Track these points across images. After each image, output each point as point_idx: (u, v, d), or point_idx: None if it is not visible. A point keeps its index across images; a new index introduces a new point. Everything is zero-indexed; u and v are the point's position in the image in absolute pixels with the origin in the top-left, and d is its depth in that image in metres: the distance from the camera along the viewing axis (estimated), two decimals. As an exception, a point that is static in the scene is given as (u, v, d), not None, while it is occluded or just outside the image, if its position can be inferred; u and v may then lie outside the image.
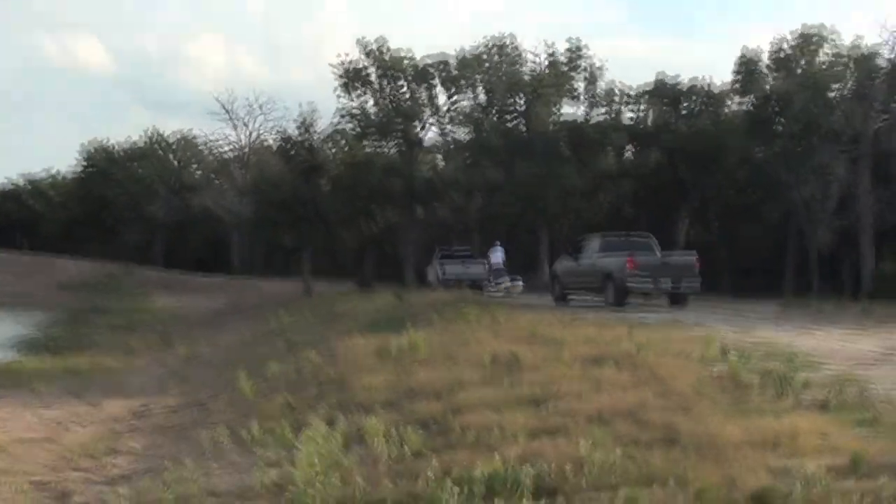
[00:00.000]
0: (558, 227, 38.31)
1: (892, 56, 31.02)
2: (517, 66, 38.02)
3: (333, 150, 41.71)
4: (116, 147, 60.78)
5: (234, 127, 57.73)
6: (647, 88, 37.13)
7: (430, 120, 39.46)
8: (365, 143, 40.28)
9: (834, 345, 12.56)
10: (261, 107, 56.65)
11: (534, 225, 38.41)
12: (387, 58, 38.16)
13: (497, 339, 12.90)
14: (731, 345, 11.55)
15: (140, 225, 56.73)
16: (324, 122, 40.70)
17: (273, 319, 25.86)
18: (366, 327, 17.71)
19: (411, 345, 12.84)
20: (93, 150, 60.48)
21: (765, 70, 33.75)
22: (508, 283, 28.30)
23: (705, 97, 36.27)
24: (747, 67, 33.71)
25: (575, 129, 36.96)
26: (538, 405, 8.41)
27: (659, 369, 9.65)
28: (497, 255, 29.32)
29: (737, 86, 34.43)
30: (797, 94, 30.88)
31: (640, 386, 8.91)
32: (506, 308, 17.64)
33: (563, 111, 38.02)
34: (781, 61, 33.29)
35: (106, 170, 58.28)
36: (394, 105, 38.62)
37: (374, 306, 23.78)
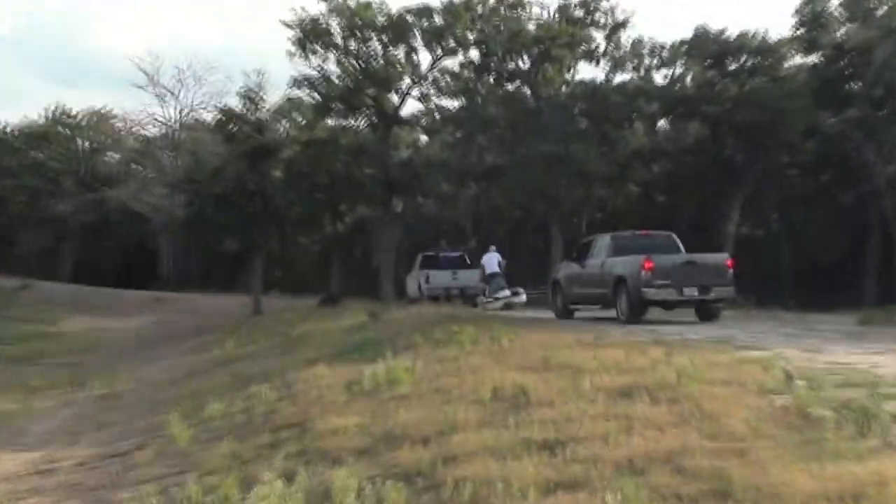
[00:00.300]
0: (575, 222, 38.86)
1: None
2: (520, 17, 38.18)
3: (287, 128, 42.13)
4: (10, 129, 60.52)
5: (162, 101, 58.37)
6: (685, 43, 37.47)
7: (410, 87, 39.77)
8: (327, 117, 40.73)
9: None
10: (195, 75, 57.49)
11: (544, 220, 38.80)
12: (353, 5, 38.04)
13: (499, 366, 12.80)
14: (797, 369, 11.38)
15: (42, 227, 56.26)
16: (276, 93, 41.47)
17: (215, 346, 25.82)
18: (332, 354, 17.73)
19: (390, 376, 12.81)
20: (-23, 134, 60.14)
21: (836, 17, 34.11)
22: (508, 295, 28.80)
23: (759, 53, 36.24)
24: (813, 15, 33.90)
25: (594, 96, 37.27)
26: (552, 451, 8.39)
27: (706, 402, 9.57)
28: (492, 261, 29.92)
29: (799, 37, 34.78)
30: (877, 46, 31.04)
31: (683, 424, 8.86)
32: (508, 326, 17.51)
33: (578, 73, 38.72)
34: (856, 5, 33.44)
35: (-5, 158, 57.99)
36: (363, 69, 38.81)
37: (343, 327, 23.92)
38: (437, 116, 40.83)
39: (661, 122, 40.35)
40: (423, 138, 44.42)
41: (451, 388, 11.56)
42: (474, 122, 37.98)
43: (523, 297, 28.97)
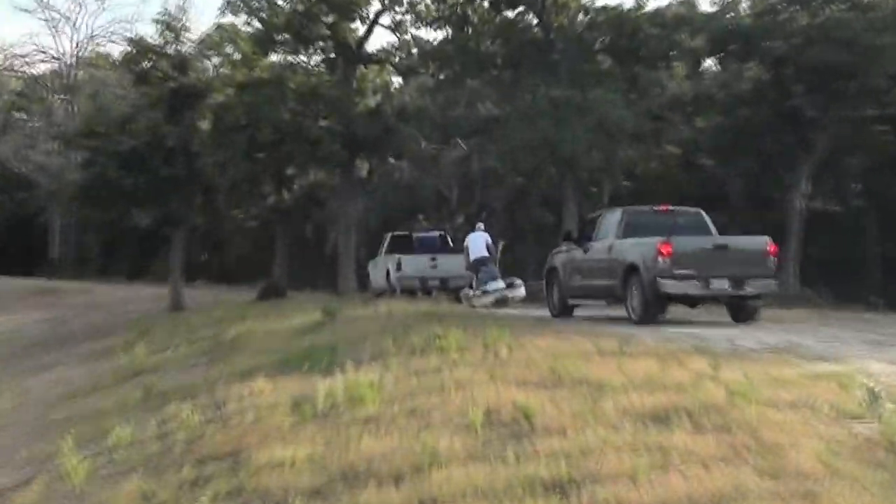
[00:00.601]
0: (594, 193, 39.17)
1: None
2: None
3: (218, 66, 42.14)
4: None
5: (53, 29, 58.53)
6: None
7: (380, 12, 39.95)
8: (270, 52, 40.77)
9: None
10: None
11: (554, 190, 38.95)
12: None
13: (494, 381, 12.82)
14: (885, 388, 11.22)
15: None
16: (203, 20, 41.82)
17: (122, 351, 25.77)
18: (276, 364, 17.73)
19: (351, 393, 12.81)
20: None
21: None
22: (502, 288, 29.03)
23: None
24: None
25: (621, 27, 37.20)
26: (564, 494, 8.40)
27: (765, 431, 9.60)
28: (478, 243, 30.08)
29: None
30: None
31: (735, 459, 8.86)
32: (506, 329, 17.36)
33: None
34: None
35: None
36: (317, -12, 38.68)
37: (290, 328, 24.09)
38: (415, 52, 40.79)
39: (709, 63, 40.52)
40: (397, 81, 44.43)
41: (432, 410, 11.59)
42: (464, 59, 37.90)
43: (521, 291, 29.26)
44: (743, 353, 14.83)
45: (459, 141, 40.43)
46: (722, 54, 39.33)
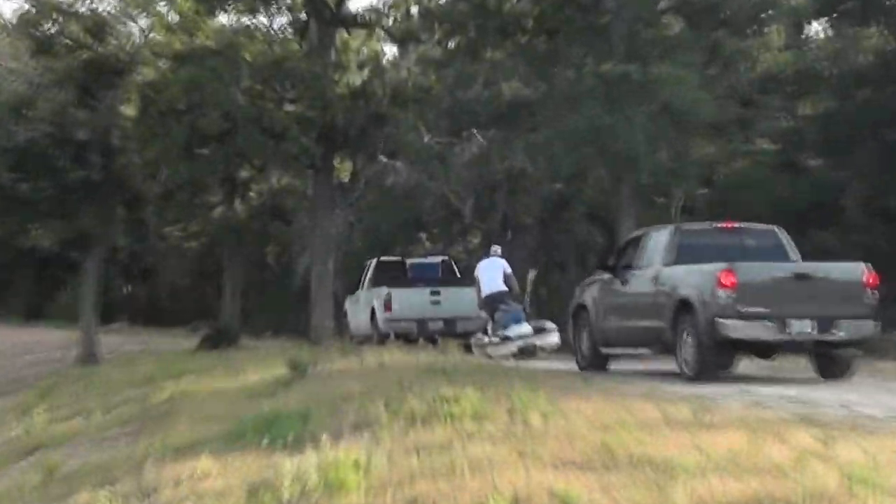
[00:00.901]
0: (661, 205, 39.37)
1: None
2: None
3: (147, 30, 42.56)
4: None
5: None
6: None
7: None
8: (218, 12, 41.29)
9: None
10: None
11: (604, 198, 39.15)
12: None
13: (523, 460, 12.74)
14: None
15: None
16: None
17: (13, 418, 25.93)
18: (225, 436, 17.68)
19: (328, 476, 12.73)
20: None
21: None
22: (528, 334, 29.03)
23: None
24: None
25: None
26: None
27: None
28: (492, 274, 30.27)
29: None
30: None
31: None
32: (537, 389, 17.16)
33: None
34: None
35: None
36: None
37: (245, 387, 24.12)
38: (415, 12, 40.96)
39: (815, 27, 41.12)
40: (391, 51, 45.15)
41: (439, 500, 11.54)
42: (482, 22, 37.76)
43: (555, 338, 29.37)
44: (863, 424, 14.70)
45: (476, 133, 40.36)
46: (834, 15, 39.43)
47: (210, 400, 23.54)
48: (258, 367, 26.64)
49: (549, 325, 29.43)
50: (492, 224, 39.57)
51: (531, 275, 31.80)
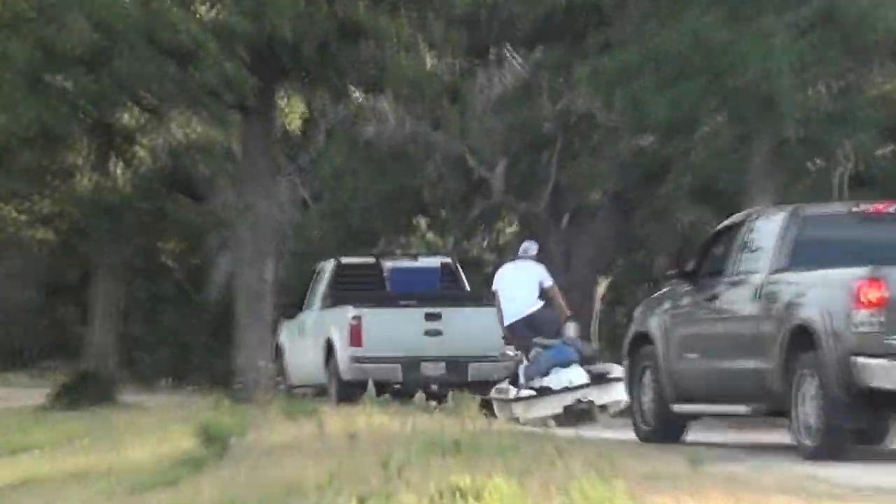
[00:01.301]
0: (813, 174, 34.41)
1: None
2: None
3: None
4: None
5: None
6: None
7: None
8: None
9: None
10: None
11: (723, 163, 34.08)
12: None
13: None
14: None
15: None
16: None
17: None
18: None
19: None
20: None
21: None
22: (581, 384, 26.32)
23: None
24: None
25: None
26: None
27: None
28: (523, 286, 27.72)
29: None
30: None
31: None
32: (609, 471, 13.56)
33: None
34: None
35: None
36: None
37: (126, 470, 21.56)
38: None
39: None
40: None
41: None
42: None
43: (622, 394, 24.84)
44: None
45: (512, 53, 33.78)
46: None
47: (67, 494, 20.49)
48: (149, 436, 24.44)
49: (618, 369, 25.33)
50: (536, 203, 34.14)
51: (597, 291, 28.34)
